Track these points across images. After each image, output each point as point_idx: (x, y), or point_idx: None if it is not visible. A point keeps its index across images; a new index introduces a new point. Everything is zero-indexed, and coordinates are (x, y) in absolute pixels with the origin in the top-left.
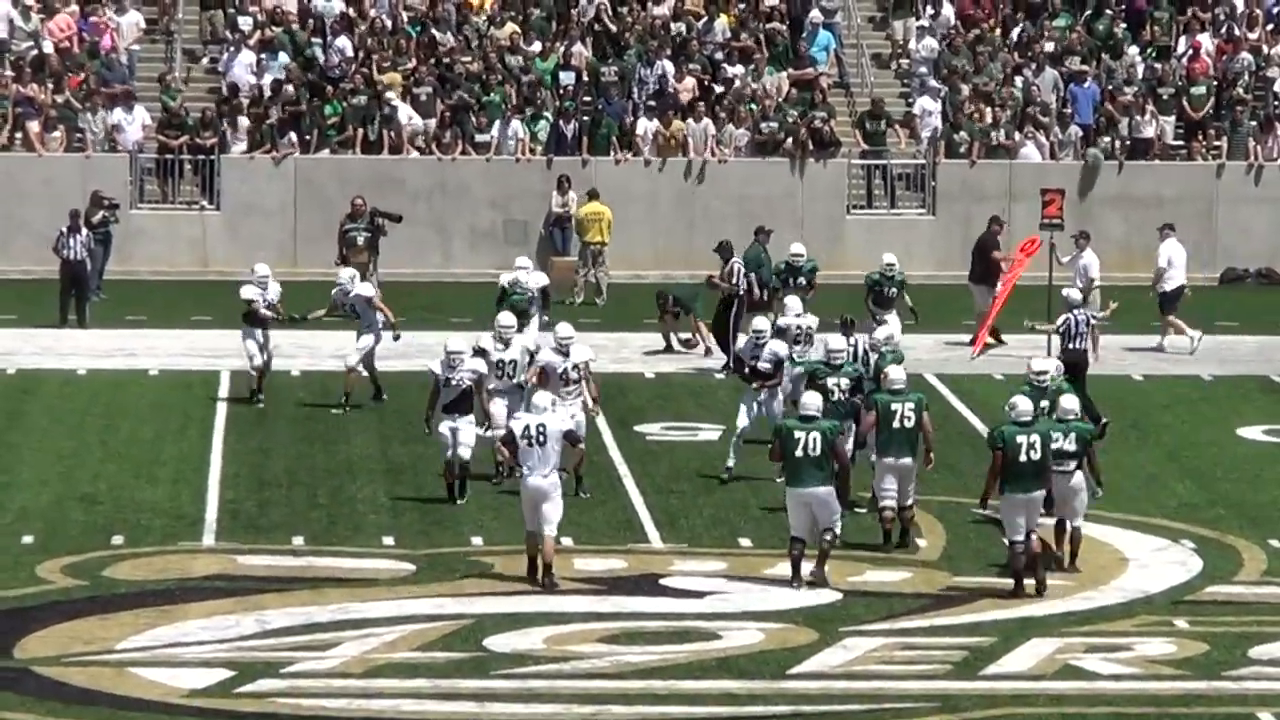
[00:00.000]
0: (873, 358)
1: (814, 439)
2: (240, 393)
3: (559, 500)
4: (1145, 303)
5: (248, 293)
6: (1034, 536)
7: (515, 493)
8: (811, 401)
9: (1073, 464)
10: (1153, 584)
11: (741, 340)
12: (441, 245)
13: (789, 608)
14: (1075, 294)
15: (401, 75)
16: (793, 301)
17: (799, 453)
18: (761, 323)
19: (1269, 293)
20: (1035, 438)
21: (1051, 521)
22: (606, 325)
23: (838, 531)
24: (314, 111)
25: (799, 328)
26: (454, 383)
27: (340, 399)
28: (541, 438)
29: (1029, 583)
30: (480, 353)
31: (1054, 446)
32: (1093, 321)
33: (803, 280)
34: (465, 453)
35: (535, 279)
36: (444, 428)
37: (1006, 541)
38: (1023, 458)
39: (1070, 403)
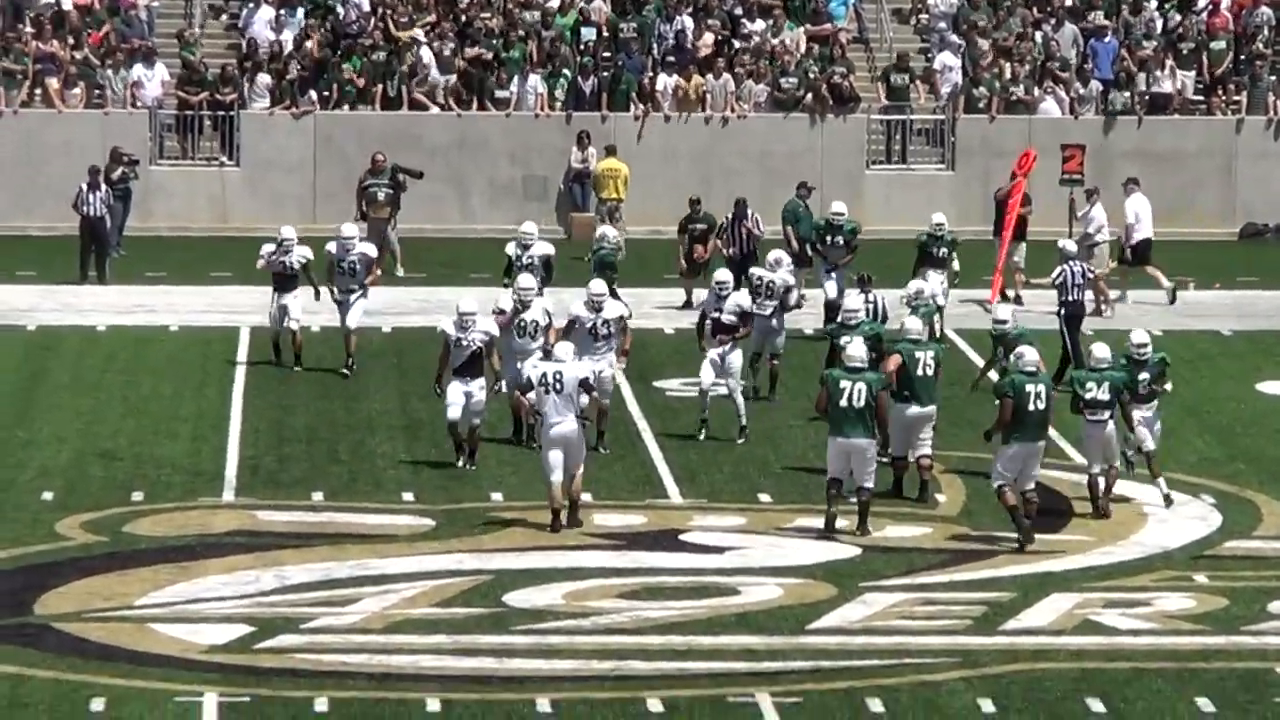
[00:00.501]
0: (904, 311)
1: (859, 390)
2: (260, 349)
3: (581, 444)
4: (1166, 258)
5: (268, 249)
6: (1030, 489)
7: (535, 447)
8: (857, 352)
9: (1106, 413)
10: (1172, 539)
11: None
12: (460, 201)
13: (808, 563)
14: (1070, 245)
15: (422, 31)
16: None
17: (843, 402)
18: (724, 274)
19: None
20: (1041, 387)
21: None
22: (626, 280)
23: (870, 487)
24: (333, 67)
25: (760, 279)
26: (465, 344)
27: (347, 362)
28: (559, 385)
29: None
30: (499, 313)
31: (1088, 396)
32: (1089, 275)
33: (840, 240)
34: (477, 420)
35: (540, 247)
36: (456, 390)
37: (994, 486)
38: (1030, 407)
39: (1030, 353)
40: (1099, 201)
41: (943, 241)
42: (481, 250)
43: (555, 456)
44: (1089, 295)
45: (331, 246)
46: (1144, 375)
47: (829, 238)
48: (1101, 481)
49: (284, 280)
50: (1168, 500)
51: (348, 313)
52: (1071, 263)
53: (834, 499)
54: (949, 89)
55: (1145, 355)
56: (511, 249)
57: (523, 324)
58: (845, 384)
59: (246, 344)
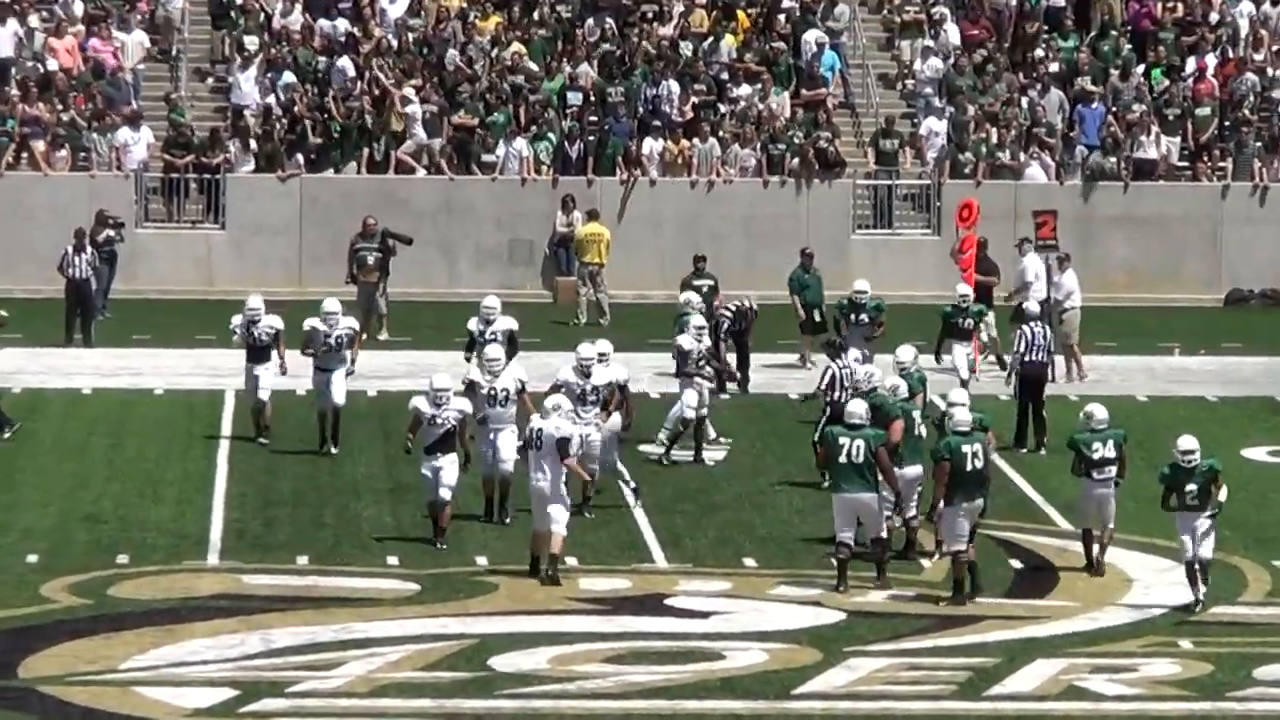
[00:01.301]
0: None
1: (858, 446)
2: (245, 413)
3: (563, 499)
4: (1151, 323)
5: (237, 320)
6: (971, 546)
7: (523, 510)
8: (857, 409)
9: (1113, 470)
10: (1157, 604)
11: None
12: (447, 265)
13: (793, 627)
14: (1034, 306)
15: (411, 90)
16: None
17: (843, 459)
18: (698, 319)
19: (1274, 313)
20: (977, 446)
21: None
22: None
23: (885, 537)
24: (320, 131)
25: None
26: (439, 421)
27: (330, 440)
28: (538, 442)
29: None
30: (470, 385)
31: (1095, 456)
32: (1048, 338)
33: (865, 318)
34: (447, 494)
35: (503, 322)
36: (426, 469)
37: (947, 550)
38: (968, 467)
39: (962, 414)
40: (1069, 268)
41: (968, 313)
42: (467, 314)
43: (538, 512)
44: (1059, 359)
45: (315, 322)
46: (1191, 486)
47: (853, 315)
48: (1096, 547)
49: (255, 351)
50: (1194, 607)
51: (332, 389)
52: (1033, 323)
53: (843, 563)
54: (935, 154)
55: (1193, 463)
56: (474, 324)
57: (494, 393)
58: (844, 440)
59: (231, 408)
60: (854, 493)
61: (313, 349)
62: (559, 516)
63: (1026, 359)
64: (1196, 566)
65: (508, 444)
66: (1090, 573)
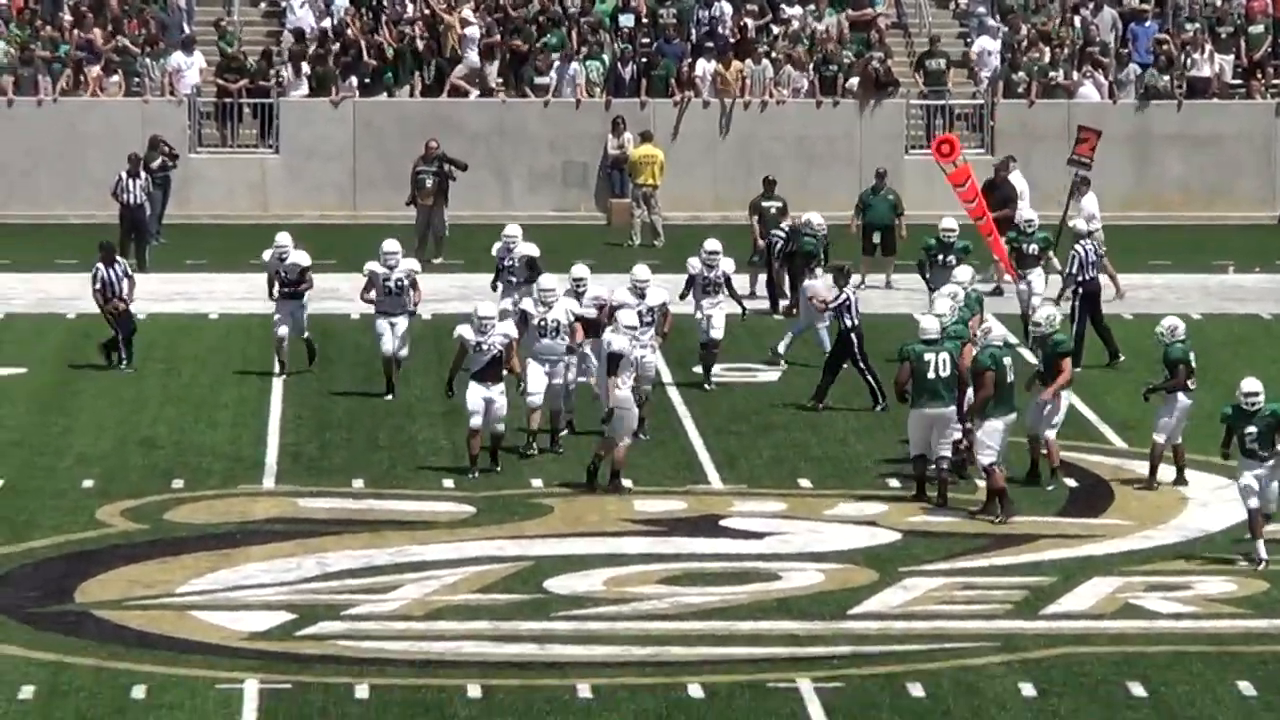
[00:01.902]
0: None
1: (943, 360)
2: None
3: (635, 411)
4: (1205, 241)
5: (267, 254)
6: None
7: (580, 433)
8: (931, 325)
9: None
10: (1212, 522)
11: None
12: (500, 188)
13: (849, 548)
14: (1081, 224)
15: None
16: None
17: (930, 374)
18: (712, 243)
19: None
20: (945, 356)
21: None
22: (665, 267)
23: (948, 455)
24: (374, 54)
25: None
26: (485, 348)
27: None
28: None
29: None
30: (523, 316)
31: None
32: (1101, 254)
33: (952, 259)
34: (500, 427)
35: (524, 248)
36: (477, 396)
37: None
38: (930, 375)
39: (929, 321)
40: (1089, 191)
41: (1032, 239)
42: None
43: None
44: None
45: (374, 265)
46: (1251, 429)
47: (940, 256)
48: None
49: (284, 288)
50: (1253, 560)
51: (384, 338)
52: (1083, 241)
53: (923, 477)
54: (988, 74)
55: (1256, 405)
56: (497, 250)
57: (544, 324)
58: (929, 356)
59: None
60: (938, 408)
61: (373, 294)
62: (630, 426)
63: (1081, 277)
64: (1261, 517)
65: (558, 377)
66: (1144, 487)
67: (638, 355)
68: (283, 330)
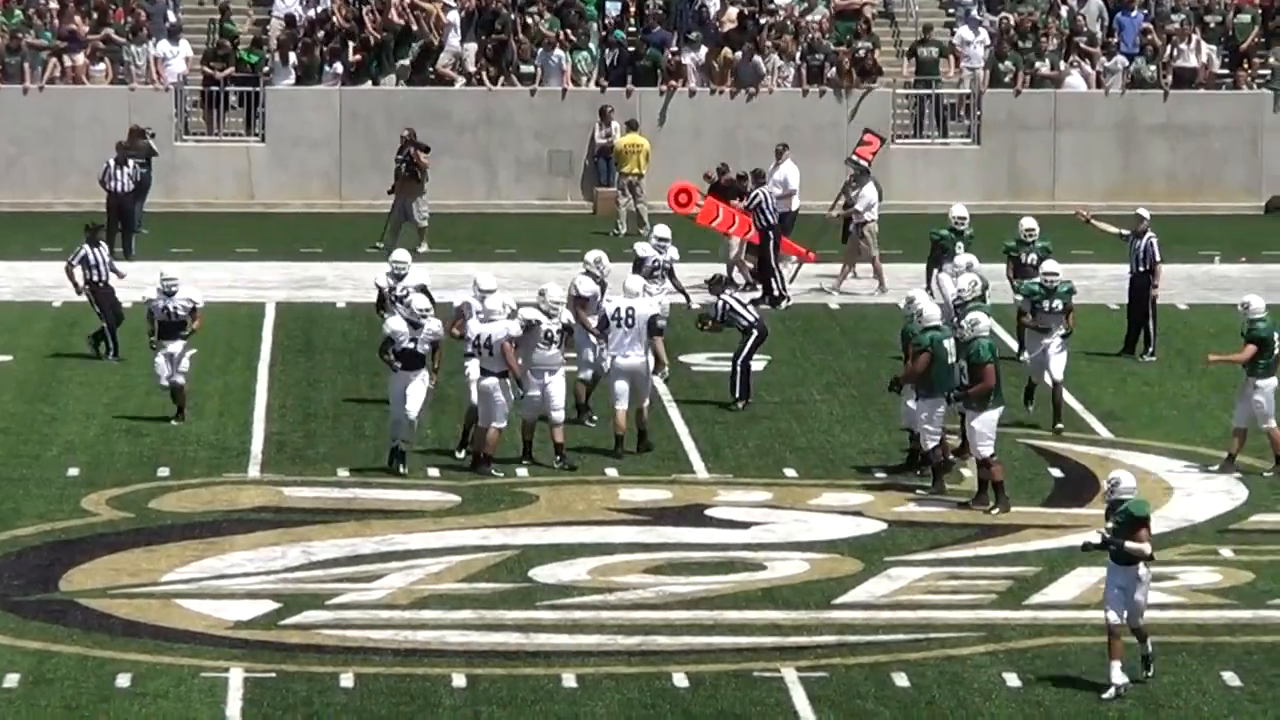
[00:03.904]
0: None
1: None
2: (286, 325)
3: (649, 377)
4: (1192, 231)
5: (150, 294)
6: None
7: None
8: (935, 314)
9: None
10: (1198, 513)
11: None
12: (487, 176)
13: (834, 538)
14: (859, 206)
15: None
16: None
17: (950, 360)
18: (662, 229)
19: None
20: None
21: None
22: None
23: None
24: (360, 43)
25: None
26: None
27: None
28: (630, 320)
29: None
30: (529, 326)
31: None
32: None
33: (1034, 257)
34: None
35: (416, 275)
36: (401, 385)
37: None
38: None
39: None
40: (869, 181)
41: (1032, 248)
42: (508, 226)
43: (621, 386)
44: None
45: (380, 280)
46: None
47: (1020, 255)
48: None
49: (167, 328)
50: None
51: (409, 393)
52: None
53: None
54: (974, 63)
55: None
56: (382, 280)
57: (550, 334)
58: (948, 343)
59: (272, 320)
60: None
61: (393, 351)
62: (645, 392)
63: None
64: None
65: (559, 390)
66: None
67: (662, 305)
68: None
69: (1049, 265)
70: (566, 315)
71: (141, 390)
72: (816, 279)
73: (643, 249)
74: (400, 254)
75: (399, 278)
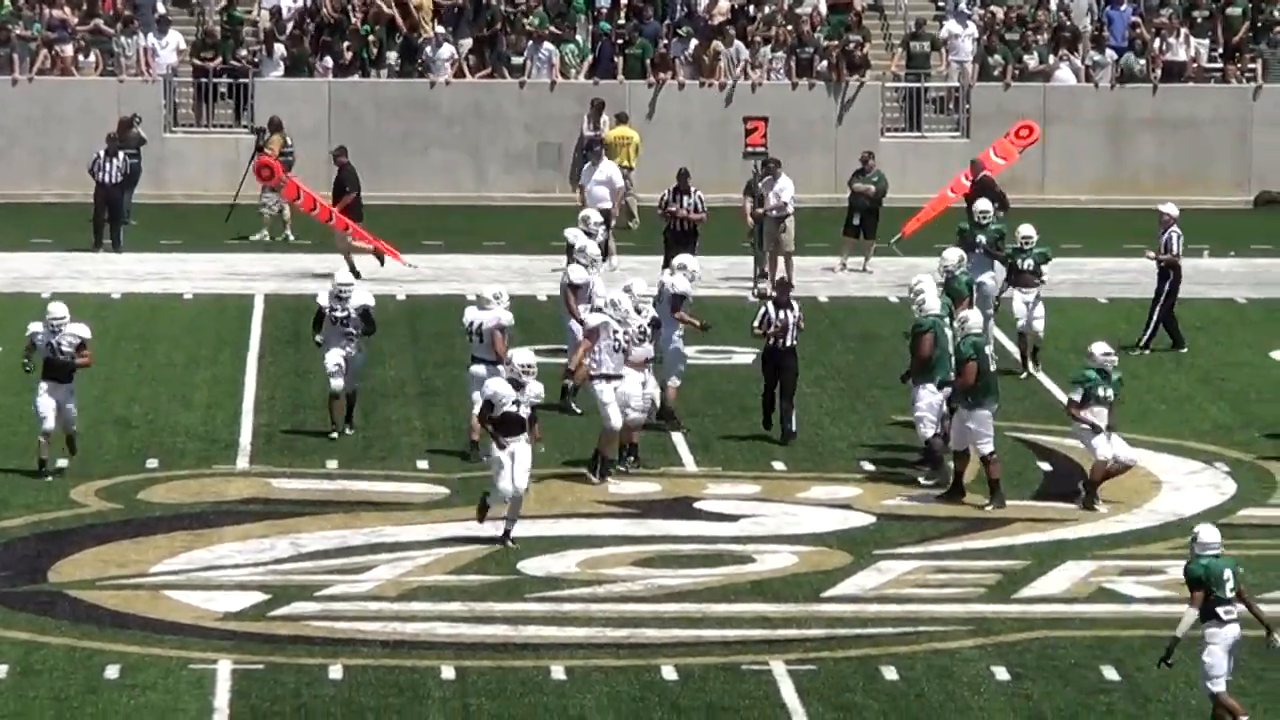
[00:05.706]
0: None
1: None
2: (275, 316)
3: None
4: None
5: (35, 327)
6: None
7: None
8: (979, 320)
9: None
10: (1186, 507)
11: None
12: (476, 169)
13: (822, 531)
14: (772, 201)
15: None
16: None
17: (992, 368)
18: (593, 214)
19: None
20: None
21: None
22: (642, 249)
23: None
24: (348, 35)
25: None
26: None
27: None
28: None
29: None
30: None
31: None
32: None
33: (1030, 263)
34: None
35: (359, 297)
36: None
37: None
38: (991, 368)
39: (976, 318)
40: (782, 174)
41: (1029, 254)
42: (497, 218)
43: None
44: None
45: (321, 299)
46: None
47: (1019, 262)
48: None
49: (54, 368)
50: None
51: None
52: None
53: (963, 472)
54: (963, 57)
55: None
56: (323, 299)
57: (629, 334)
58: (987, 349)
59: (261, 311)
60: (997, 403)
61: (493, 418)
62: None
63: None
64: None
65: (635, 387)
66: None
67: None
68: None
69: (1024, 229)
70: (650, 312)
71: (130, 382)
72: (821, 272)
73: (574, 235)
74: (344, 275)
75: (342, 299)
